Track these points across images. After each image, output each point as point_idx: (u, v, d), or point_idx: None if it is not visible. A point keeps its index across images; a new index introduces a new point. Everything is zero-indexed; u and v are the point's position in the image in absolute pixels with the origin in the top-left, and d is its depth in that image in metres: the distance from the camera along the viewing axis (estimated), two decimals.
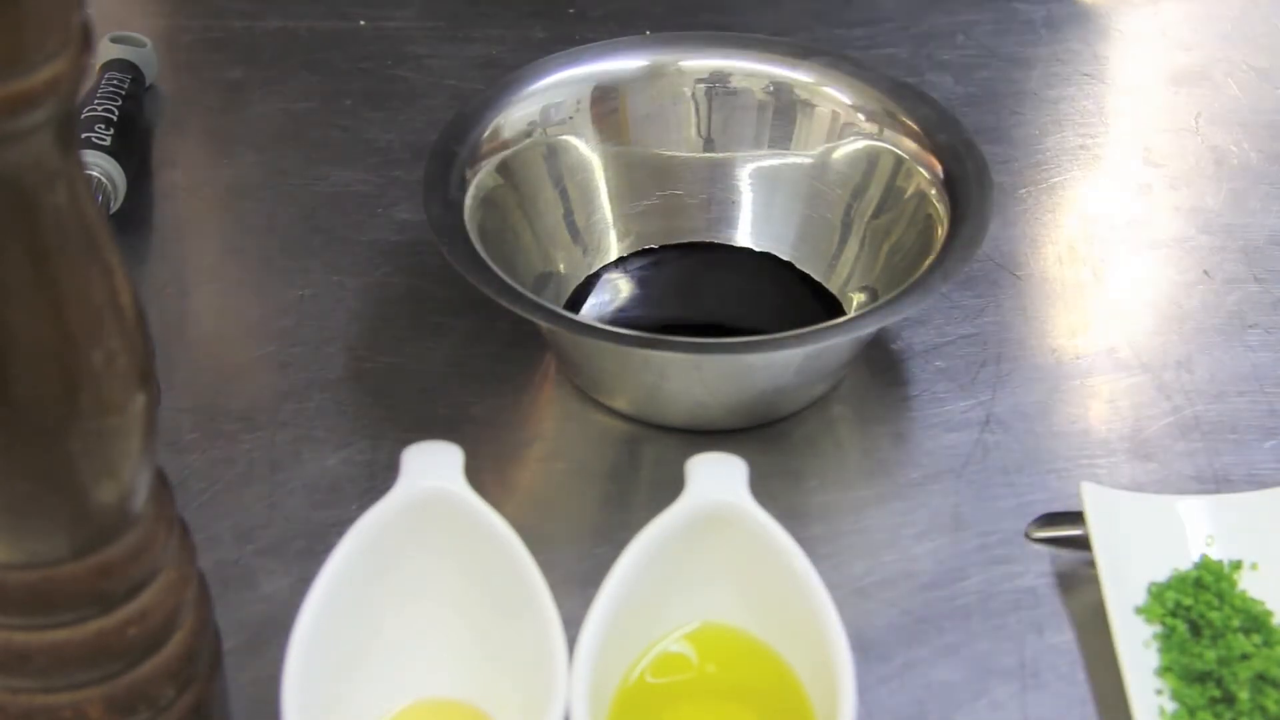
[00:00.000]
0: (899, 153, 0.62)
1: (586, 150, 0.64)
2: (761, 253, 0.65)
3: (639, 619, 0.48)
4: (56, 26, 0.32)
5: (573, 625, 0.46)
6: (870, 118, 0.63)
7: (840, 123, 0.64)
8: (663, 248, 0.65)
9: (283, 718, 0.43)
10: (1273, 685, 0.48)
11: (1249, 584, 0.52)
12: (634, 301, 0.63)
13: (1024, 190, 0.71)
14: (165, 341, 0.62)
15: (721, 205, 0.66)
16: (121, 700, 0.41)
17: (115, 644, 0.40)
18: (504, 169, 0.62)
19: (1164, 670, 0.49)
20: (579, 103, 0.64)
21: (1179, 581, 0.51)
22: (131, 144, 0.69)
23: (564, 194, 0.64)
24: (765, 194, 0.65)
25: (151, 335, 0.41)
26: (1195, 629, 0.50)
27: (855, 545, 0.55)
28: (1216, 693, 0.48)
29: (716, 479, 0.49)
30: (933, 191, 0.60)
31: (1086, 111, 0.76)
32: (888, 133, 0.63)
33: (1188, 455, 0.59)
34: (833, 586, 0.47)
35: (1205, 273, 0.67)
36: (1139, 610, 0.51)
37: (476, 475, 0.49)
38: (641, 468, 0.58)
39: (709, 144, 0.65)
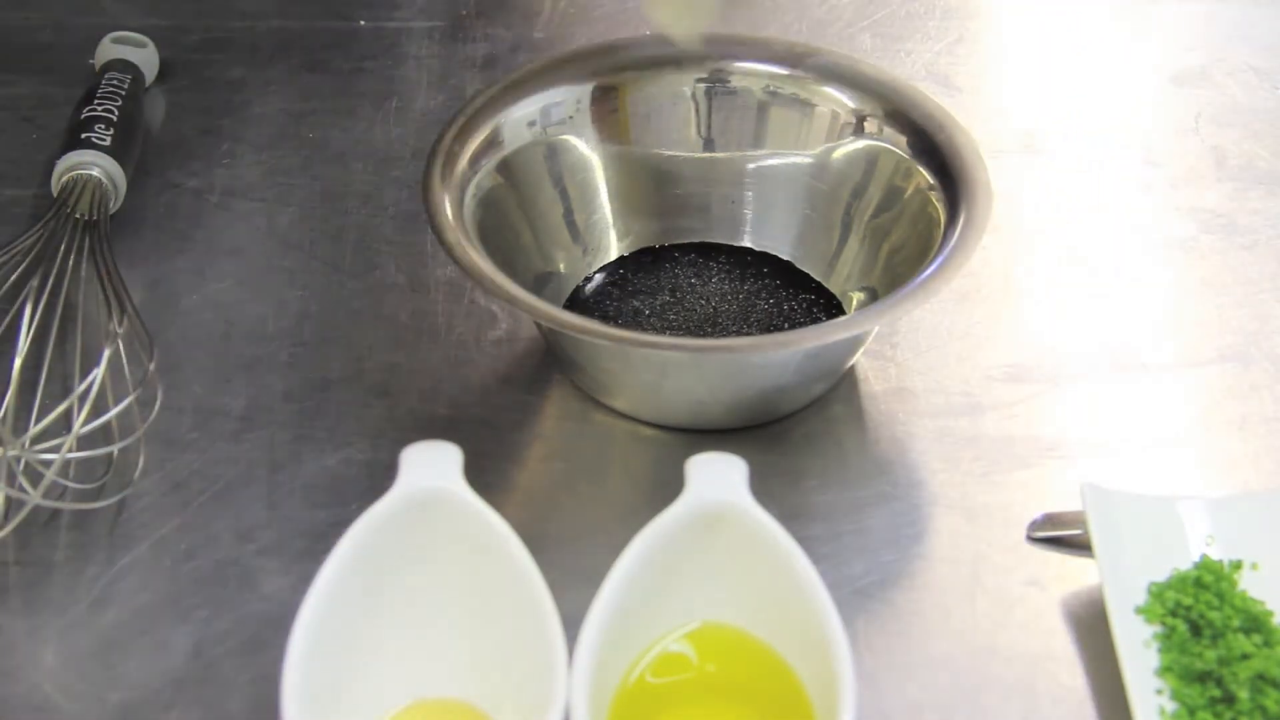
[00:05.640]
0: (899, 153, 0.62)
1: (586, 150, 0.64)
2: (761, 253, 0.65)
3: (639, 619, 0.48)
4: None
5: (573, 625, 0.46)
6: (870, 118, 0.63)
7: (840, 123, 0.64)
8: (663, 248, 0.65)
9: (283, 717, 0.43)
10: (1273, 685, 0.48)
11: (1249, 584, 0.52)
12: (634, 301, 0.63)
13: (1024, 190, 0.71)
14: (165, 341, 0.62)
15: (721, 205, 0.66)
16: None
17: None
18: (504, 169, 0.62)
19: (1164, 670, 0.49)
20: (579, 103, 0.64)
21: (1179, 581, 0.51)
22: (131, 144, 0.69)
23: (564, 194, 0.64)
24: (765, 194, 0.65)
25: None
26: (1195, 629, 0.50)
27: (855, 545, 0.55)
28: (1216, 692, 0.48)
29: (716, 479, 0.49)
30: (933, 191, 0.60)
31: (1087, 111, 0.76)
32: (888, 133, 0.63)
33: (1188, 455, 0.59)
34: (833, 586, 0.47)
35: (1205, 273, 0.67)
36: (1139, 610, 0.51)
37: (476, 475, 0.49)
38: (641, 468, 0.58)
39: (709, 144, 0.65)
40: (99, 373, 0.54)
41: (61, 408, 0.53)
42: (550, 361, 0.62)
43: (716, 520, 0.48)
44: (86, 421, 0.53)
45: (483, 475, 0.50)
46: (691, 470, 0.49)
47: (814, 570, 0.46)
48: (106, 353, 0.55)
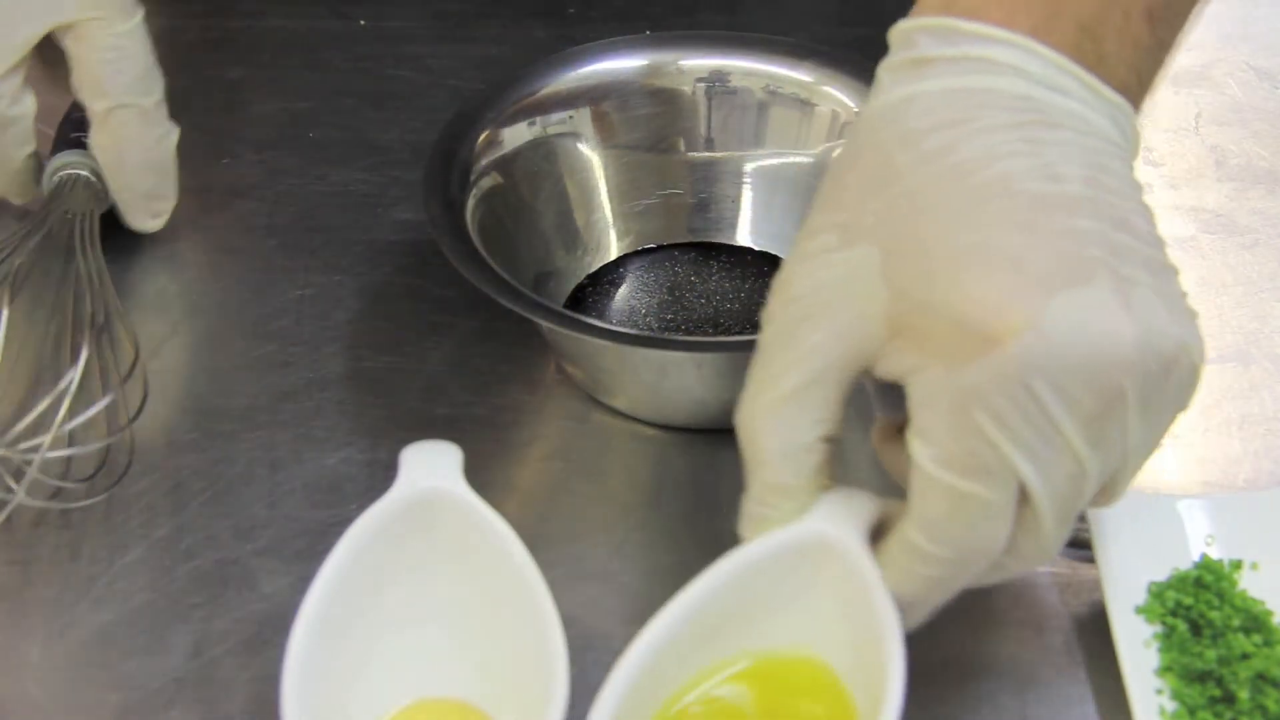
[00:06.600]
0: None
1: (586, 150, 0.64)
2: (761, 252, 0.65)
3: (688, 651, 0.46)
4: None
5: (573, 625, 0.46)
6: None
7: (840, 123, 0.64)
8: (662, 248, 0.65)
9: (283, 718, 0.43)
10: (1273, 685, 0.48)
11: (1249, 584, 0.52)
12: (634, 301, 0.63)
13: None
14: (165, 341, 0.62)
15: (721, 205, 0.66)
16: None
17: None
18: (504, 169, 0.62)
19: (1164, 670, 0.49)
20: (579, 103, 0.64)
21: (1179, 581, 0.51)
22: None
23: (564, 194, 0.64)
24: (765, 194, 0.65)
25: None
26: (1195, 628, 0.50)
27: None
28: (1217, 692, 0.48)
29: (839, 515, 0.46)
30: None
31: None
32: None
33: (1188, 455, 0.59)
34: None
35: (1205, 273, 0.67)
36: (1139, 610, 0.51)
37: (476, 475, 0.49)
38: (641, 468, 0.58)
39: (709, 144, 0.65)
40: (76, 372, 0.53)
41: (41, 406, 0.53)
42: (550, 361, 0.62)
43: (815, 551, 0.46)
44: (65, 420, 0.53)
45: (483, 475, 0.50)
46: (823, 504, 0.46)
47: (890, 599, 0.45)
48: (85, 352, 0.55)
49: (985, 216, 0.41)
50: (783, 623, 0.47)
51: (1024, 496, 0.42)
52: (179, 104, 0.75)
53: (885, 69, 0.45)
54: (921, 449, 0.42)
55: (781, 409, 0.45)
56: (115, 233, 0.65)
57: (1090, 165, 0.42)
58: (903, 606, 0.45)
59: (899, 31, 0.46)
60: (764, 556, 0.46)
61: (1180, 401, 0.43)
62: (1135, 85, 0.45)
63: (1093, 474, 0.42)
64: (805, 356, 0.44)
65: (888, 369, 0.43)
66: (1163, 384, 0.41)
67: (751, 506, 0.46)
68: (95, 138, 0.63)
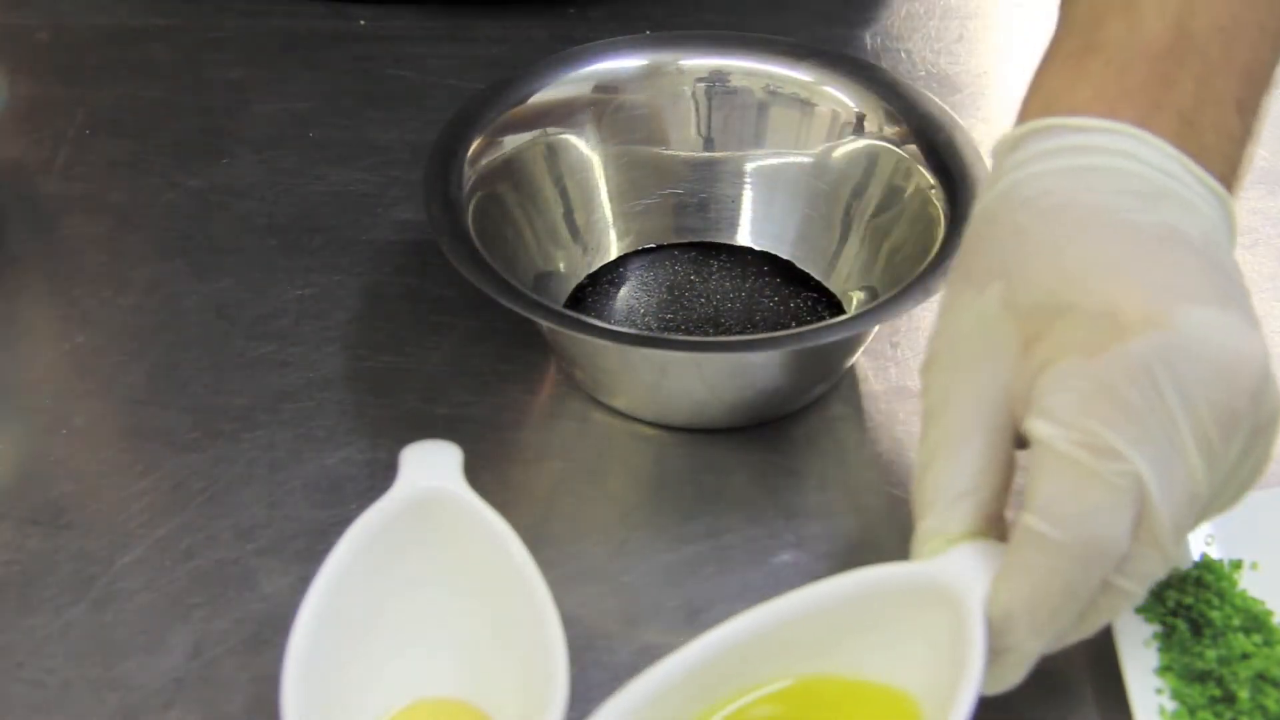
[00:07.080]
0: (899, 152, 0.62)
1: (586, 150, 0.64)
2: (761, 252, 0.65)
3: (752, 662, 0.45)
4: None
5: (573, 625, 0.46)
6: (870, 118, 0.63)
7: (840, 122, 0.64)
8: (662, 247, 0.65)
9: (283, 718, 0.44)
10: (1273, 685, 0.48)
11: (1249, 583, 0.52)
12: (634, 301, 0.63)
13: None
14: (164, 341, 0.62)
15: (721, 205, 0.66)
16: None
17: None
18: (504, 169, 0.62)
19: (1164, 670, 0.49)
20: (579, 103, 0.64)
21: (1179, 580, 0.51)
22: None
23: (564, 193, 0.64)
24: (765, 194, 0.65)
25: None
26: (1195, 628, 0.50)
27: (856, 544, 0.55)
28: (1217, 692, 0.48)
29: (967, 562, 0.45)
30: (933, 191, 0.60)
31: None
32: (888, 132, 0.63)
33: None
34: None
35: None
36: (1139, 610, 0.51)
37: (476, 475, 0.49)
38: (641, 468, 0.58)
39: (709, 144, 0.65)
40: None
41: None
42: (550, 361, 0.62)
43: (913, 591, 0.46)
44: None
45: (483, 475, 0.50)
46: (946, 559, 0.45)
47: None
48: None
49: (1115, 243, 0.43)
50: (864, 653, 0.46)
51: (1141, 513, 0.42)
52: (180, 104, 0.76)
53: (993, 170, 0.47)
54: (1043, 427, 0.43)
55: (938, 461, 0.46)
56: (115, 231, 0.65)
57: (1204, 231, 0.44)
58: (1011, 625, 0.43)
59: (1005, 141, 0.47)
60: (863, 586, 0.46)
61: (1264, 460, 0.44)
62: (1230, 177, 0.46)
63: (1203, 492, 0.43)
64: (954, 410, 0.45)
65: (1022, 382, 0.44)
66: (1268, 430, 0.43)
67: (916, 552, 0.47)
68: None
